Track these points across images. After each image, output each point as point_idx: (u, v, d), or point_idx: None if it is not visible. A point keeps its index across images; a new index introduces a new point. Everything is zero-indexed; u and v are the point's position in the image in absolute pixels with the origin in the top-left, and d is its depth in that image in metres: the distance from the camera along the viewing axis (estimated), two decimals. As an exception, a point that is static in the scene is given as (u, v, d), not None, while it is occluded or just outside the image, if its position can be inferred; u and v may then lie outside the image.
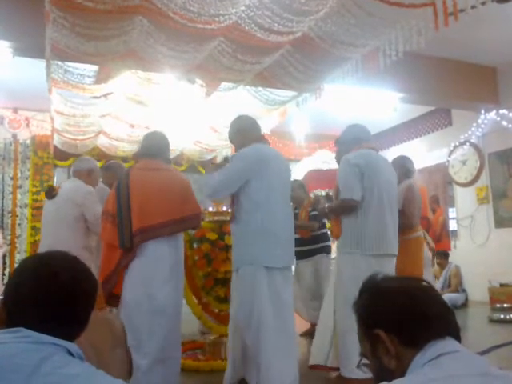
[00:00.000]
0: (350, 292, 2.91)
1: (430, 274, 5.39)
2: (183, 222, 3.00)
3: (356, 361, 2.79)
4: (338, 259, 3.16)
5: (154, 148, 3.08)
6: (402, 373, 0.99)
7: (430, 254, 5.41)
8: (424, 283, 1.10)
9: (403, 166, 4.04)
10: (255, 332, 2.65)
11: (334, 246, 4.86)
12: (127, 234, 2.85)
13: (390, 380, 0.97)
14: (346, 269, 3.03)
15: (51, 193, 3.70)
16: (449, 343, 0.98)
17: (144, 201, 2.87)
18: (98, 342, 1.61)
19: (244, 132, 3.01)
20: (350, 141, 3.29)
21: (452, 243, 7.15)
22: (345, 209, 3.09)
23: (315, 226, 4.92)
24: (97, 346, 1.60)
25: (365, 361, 1.13)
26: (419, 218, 4.01)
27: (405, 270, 3.48)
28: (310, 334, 5.08)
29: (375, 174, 3.07)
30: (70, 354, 1.02)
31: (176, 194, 2.96)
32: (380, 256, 3.00)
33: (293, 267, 5.80)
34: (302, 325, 5.29)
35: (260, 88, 5.70)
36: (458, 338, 1.02)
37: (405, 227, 3.75)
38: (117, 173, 3.98)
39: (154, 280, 2.84)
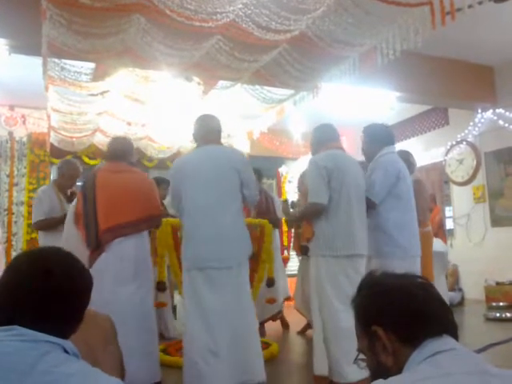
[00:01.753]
0: (327, 295, 2.95)
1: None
2: (147, 221, 3.16)
3: (342, 363, 2.81)
4: (313, 262, 3.14)
5: (118, 152, 3.29)
6: (398, 370, 0.99)
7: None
8: (423, 281, 1.10)
9: (405, 161, 4.01)
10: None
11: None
12: (93, 235, 3.01)
13: (386, 376, 0.97)
14: (321, 272, 3.02)
15: (70, 197, 3.98)
16: (446, 341, 0.99)
17: (109, 201, 3.05)
18: (90, 340, 1.60)
19: (194, 137, 3.16)
20: (316, 144, 3.31)
21: (448, 242, 7.16)
22: (312, 212, 3.11)
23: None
24: (90, 343, 1.59)
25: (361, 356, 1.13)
26: (428, 213, 3.95)
27: None
28: (305, 332, 5.11)
29: (343, 174, 3.06)
30: (65, 351, 1.01)
31: (139, 195, 3.13)
32: (351, 256, 2.99)
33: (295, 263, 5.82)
34: (298, 323, 5.30)
35: (257, 86, 5.70)
36: (455, 336, 1.02)
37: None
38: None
39: (118, 278, 2.94)
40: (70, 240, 3.57)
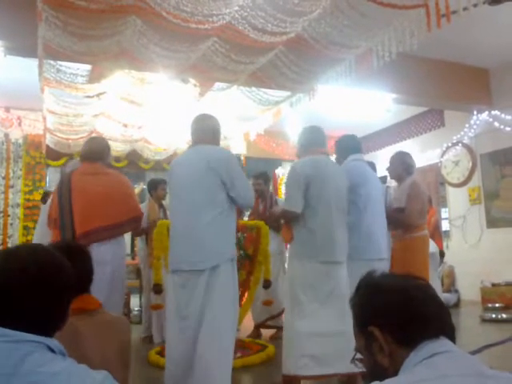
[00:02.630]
0: (298, 297, 2.98)
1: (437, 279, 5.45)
2: (123, 225, 3.12)
3: (296, 359, 2.86)
4: (289, 264, 3.20)
5: (94, 152, 3.23)
6: (395, 371, 0.99)
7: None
8: (421, 282, 1.10)
9: (404, 162, 3.97)
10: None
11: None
12: (69, 239, 2.97)
13: (383, 377, 0.97)
14: (295, 274, 3.06)
15: (44, 198, 3.86)
16: (443, 343, 0.99)
17: (86, 206, 3.00)
18: (104, 345, 1.60)
19: (191, 137, 3.07)
20: (300, 148, 3.33)
21: (444, 243, 7.18)
22: (286, 218, 3.20)
23: None
24: (103, 349, 1.59)
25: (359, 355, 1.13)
26: (424, 216, 3.92)
27: (406, 270, 3.44)
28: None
29: (323, 181, 3.07)
30: (51, 350, 0.99)
31: (116, 198, 3.10)
32: (327, 263, 3.01)
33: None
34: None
35: (254, 88, 5.70)
36: (452, 338, 1.02)
37: (405, 226, 3.75)
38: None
39: (94, 282, 2.88)
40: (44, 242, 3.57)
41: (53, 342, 1.01)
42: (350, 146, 3.63)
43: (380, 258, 3.35)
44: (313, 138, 3.30)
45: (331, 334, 2.93)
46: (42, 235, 3.58)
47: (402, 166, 3.96)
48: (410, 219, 3.73)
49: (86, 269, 1.85)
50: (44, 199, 4.08)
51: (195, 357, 2.59)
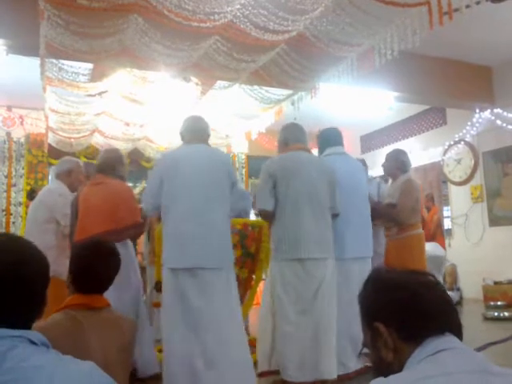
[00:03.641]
0: (279, 296, 2.95)
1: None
2: (119, 232, 3.11)
3: (288, 364, 2.82)
4: (270, 263, 3.19)
5: (106, 163, 3.31)
6: (400, 367, 0.99)
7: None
8: (429, 278, 1.09)
9: (397, 160, 3.97)
10: (163, 331, 2.71)
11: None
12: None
13: (387, 373, 0.97)
14: (274, 273, 3.03)
15: (31, 195, 3.89)
16: (448, 340, 0.98)
17: (84, 214, 3.13)
18: (106, 343, 1.60)
19: (181, 135, 3.02)
20: (278, 146, 3.34)
21: (446, 242, 7.17)
22: (262, 217, 3.24)
23: None
24: (105, 347, 1.59)
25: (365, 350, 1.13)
26: (417, 214, 3.87)
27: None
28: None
29: (291, 176, 3.02)
30: (33, 343, 0.95)
31: (110, 206, 3.11)
32: (302, 260, 2.94)
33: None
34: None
35: (256, 86, 5.70)
36: (459, 335, 1.02)
37: (397, 222, 3.74)
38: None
39: None
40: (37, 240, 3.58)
41: (34, 335, 0.97)
42: (324, 140, 3.63)
43: (342, 257, 3.24)
44: (291, 135, 3.28)
45: (316, 336, 2.88)
46: (32, 233, 3.55)
47: (395, 163, 3.96)
48: (401, 214, 3.73)
49: (107, 271, 1.84)
50: (31, 196, 4.10)
51: (222, 361, 2.58)
